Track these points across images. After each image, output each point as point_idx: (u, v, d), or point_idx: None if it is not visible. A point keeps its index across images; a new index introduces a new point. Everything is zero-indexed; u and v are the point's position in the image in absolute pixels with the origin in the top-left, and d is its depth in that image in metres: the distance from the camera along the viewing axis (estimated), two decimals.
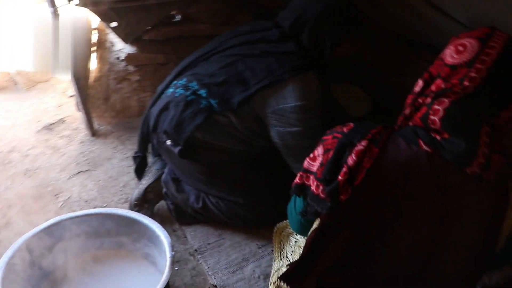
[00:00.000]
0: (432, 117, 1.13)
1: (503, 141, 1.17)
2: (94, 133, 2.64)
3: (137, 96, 2.69)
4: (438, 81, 1.16)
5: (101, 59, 2.93)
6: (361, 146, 1.15)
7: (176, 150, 1.89)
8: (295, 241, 1.70)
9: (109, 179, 2.36)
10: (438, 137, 1.13)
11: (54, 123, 2.77)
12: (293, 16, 1.89)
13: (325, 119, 1.88)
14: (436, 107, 1.13)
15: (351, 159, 1.15)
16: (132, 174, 2.31)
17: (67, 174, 2.38)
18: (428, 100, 1.16)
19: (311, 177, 1.25)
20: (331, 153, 1.20)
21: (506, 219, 1.15)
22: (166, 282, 1.47)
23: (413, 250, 1.16)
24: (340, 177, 1.14)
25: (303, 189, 1.28)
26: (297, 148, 1.87)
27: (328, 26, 1.88)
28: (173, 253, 1.59)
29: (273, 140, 1.92)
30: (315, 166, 1.24)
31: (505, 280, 1.83)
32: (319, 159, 1.24)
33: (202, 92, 1.88)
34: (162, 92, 2.04)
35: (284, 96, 1.81)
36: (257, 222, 2.05)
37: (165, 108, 1.94)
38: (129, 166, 2.42)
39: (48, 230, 1.72)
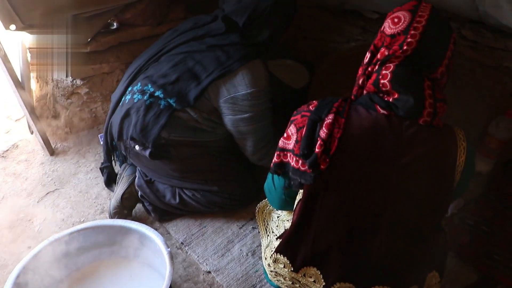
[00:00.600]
0: (382, 81, 1.30)
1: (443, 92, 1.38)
2: (52, 152, 2.63)
3: (88, 108, 2.69)
4: (382, 50, 1.33)
5: (39, 77, 2.91)
6: (329, 119, 1.30)
7: (146, 153, 1.96)
8: (278, 216, 1.82)
9: (79, 194, 2.37)
10: (390, 99, 1.31)
11: (7, 150, 2.72)
12: (246, 11, 1.98)
13: (271, 97, 2.04)
14: (384, 71, 1.30)
15: (323, 132, 1.29)
16: (102, 185, 2.37)
17: (35, 197, 2.37)
18: (376, 67, 1.33)
19: (289, 154, 1.38)
20: (304, 130, 1.33)
21: (458, 157, 1.33)
22: (171, 277, 1.57)
23: (385, 197, 1.31)
24: (317, 149, 1.28)
25: (282, 166, 1.41)
26: (250, 133, 2.01)
27: (278, 18, 2.01)
28: (169, 249, 1.68)
29: (226, 127, 2.04)
30: (290, 144, 1.37)
31: (458, 209, 2.08)
32: (294, 137, 1.37)
33: (159, 93, 1.95)
34: (119, 100, 2.08)
35: (235, 85, 1.92)
36: (233, 205, 2.17)
37: (126, 115, 1.98)
38: (96, 177, 2.46)
39: (36, 256, 1.74)
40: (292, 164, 1.36)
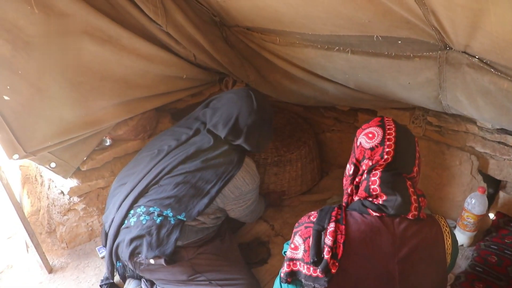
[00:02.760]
0: (372, 186, 1.52)
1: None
2: (50, 269, 2.63)
3: (84, 222, 2.74)
4: (366, 161, 1.57)
5: (30, 193, 2.98)
6: (331, 227, 1.48)
7: (161, 261, 2.04)
8: None
9: None
10: (379, 201, 1.51)
11: (1, 272, 2.67)
12: (227, 126, 2.25)
13: None
14: (373, 178, 1.53)
15: (328, 240, 1.46)
16: None
17: None
18: (364, 176, 1.55)
19: (298, 263, 1.52)
20: (310, 240, 1.50)
21: (445, 241, 1.54)
22: None
23: (390, 286, 1.46)
24: (326, 256, 1.44)
25: (293, 274, 1.54)
26: (252, 210, 2.36)
27: (259, 128, 2.30)
28: None
29: (232, 216, 2.32)
30: (299, 254, 1.52)
31: (450, 284, 2.23)
32: (301, 247, 1.52)
33: (167, 212, 2.07)
34: (121, 223, 2.15)
35: (238, 187, 2.19)
36: None
37: (138, 237, 2.05)
38: None
39: None
40: (303, 272, 1.50)
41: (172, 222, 2.07)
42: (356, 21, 1.68)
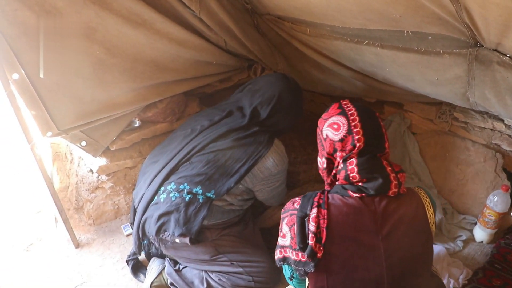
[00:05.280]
0: (351, 174, 1.54)
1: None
2: (77, 244, 2.72)
3: (111, 200, 2.83)
4: (339, 153, 1.59)
5: (59, 170, 3.07)
6: (313, 213, 1.51)
7: (187, 240, 2.10)
8: None
9: (107, 286, 2.44)
10: (360, 183, 1.54)
11: (31, 244, 2.77)
12: (270, 104, 2.33)
13: None
14: (350, 167, 1.55)
15: (311, 226, 1.49)
16: (129, 275, 2.47)
17: None
18: (341, 166, 1.58)
19: (287, 249, 1.57)
20: (294, 228, 1.54)
21: (427, 211, 1.58)
22: None
23: (380, 266, 1.49)
24: (310, 242, 1.48)
25: (285, 259, 1.58)
26: (279, 193, 2.38)
27: (295, 110, 2.37)
28: None
29: (259, 198, 2.34)
30: (287, 241, 1.57)
31: (467, 279, 2.24)
32: (288, 235, 1.57)
33: (197, 189, 2.13)
34: (151, 199, 2.22)
35: (267, 167, 2.21)
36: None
37: (166, 213, 2.12)
38: (123, 268, 2.54)
39: None
40: (293, 257, 1.54)
41: (201, 200, 2.12)
42: (387, 16, 1.69)
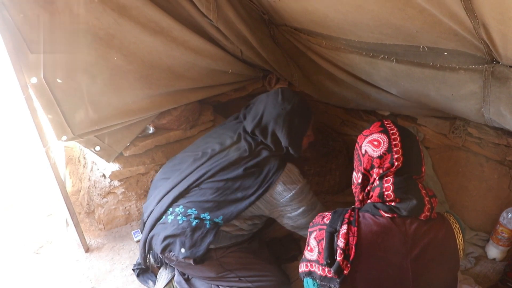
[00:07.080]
0: (386, 192, 1.55)
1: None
2: (87, 248, 2.74)
3: (122, 206, 2.85)
4: (376, 170, 1.59)
5: (72, 174, 3.09)
6: (343, 230, 1.51)
7: (191, 261, 2.11)
8: None
9: None
10: (392, 203, 1.54)
11: (41, 247, 2.80)
12: (254, 120, 2.28)
13: None
14: (386, 185, 1.55)
15: (341, 242, 1.49)
16: (138, 282, 2.47)
17: None
18: (376, 183, 1.58)
19: (314, 264, 1.57)
20: (323, 242, 1.54)
21: (457, 237, 1.58)
22: None
23: (404, 285, 1.49)
24: (338, 258, 1.48)
25: (310, 274, 1.58)
26: (307, 222, 2.20)
27: (288, 122, 2.26)
28: None
29: (286, 226, 2.26)
30: (314, 255, 1.57)
31: None
32: (316, 249, 1.57)
33: (205, 215, 2.12)
34: (159, 218, 2.21)
35: (279, 192, 2.16)
36: None
37: (172, 235, 2.11)
38: (132, 274, 2.55)
39: None
40: (319, 272, 1.54)
41: (208, 225, 2.11)
42: (404, 31, 1.70)
